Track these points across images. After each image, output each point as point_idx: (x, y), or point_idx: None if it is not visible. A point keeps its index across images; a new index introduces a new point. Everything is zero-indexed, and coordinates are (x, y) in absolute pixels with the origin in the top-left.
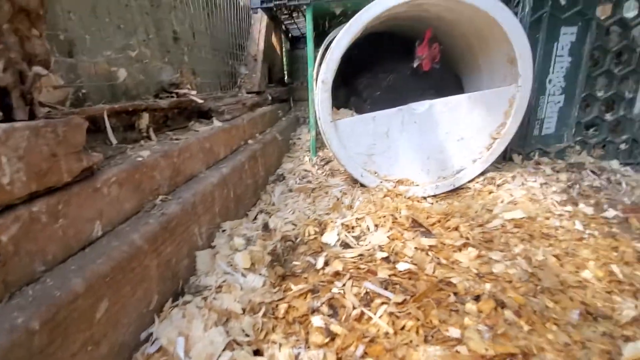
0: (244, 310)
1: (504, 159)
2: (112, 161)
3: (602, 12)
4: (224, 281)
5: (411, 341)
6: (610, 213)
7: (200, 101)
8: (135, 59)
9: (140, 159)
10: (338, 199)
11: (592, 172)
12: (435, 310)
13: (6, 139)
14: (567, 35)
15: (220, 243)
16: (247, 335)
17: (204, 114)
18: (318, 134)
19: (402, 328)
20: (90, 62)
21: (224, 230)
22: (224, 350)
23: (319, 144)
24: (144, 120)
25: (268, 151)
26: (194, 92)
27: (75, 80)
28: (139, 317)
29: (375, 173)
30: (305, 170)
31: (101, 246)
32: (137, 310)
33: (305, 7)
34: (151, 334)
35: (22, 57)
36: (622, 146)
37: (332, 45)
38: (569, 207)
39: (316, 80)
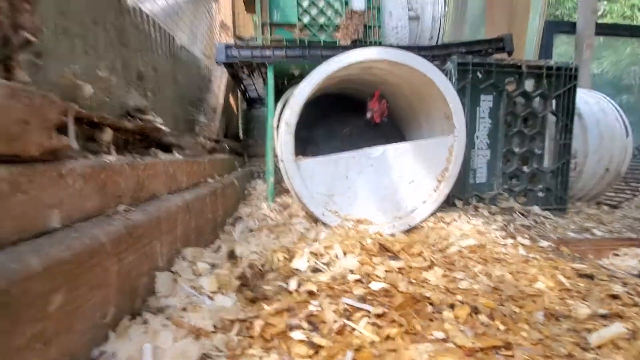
0: (215, 327)
1: (448, 204)
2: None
3: (510, 87)
4: (188, 302)
5: (398, 348)
6: (544, 243)
7: (165, 128)
8: (101, 80)
9: (107, 160)
10: (302, 234)
11: (521, 214)
12: (415, 319)
13: None
14: (486, 102)
15: (182, 267)
16: (221, 351)
17: (165, 148)
18: (276, 182)
19: (387, 337)
20: (58, 69)
21: (184, 258)
22: None
23: (277, 191)
24: (107, 134)
25: (227, 192)
26: (159, 120)
27: (39, 83)
28: (93, 327)
29: (336, 213)
30: (264, 215)
31: (58, 236)
32: (92, 318)
33: (267, 65)
34: (104, 352)
35: (11, 25)
36: (540, 194)
37: (296, 92)
38: (510, 240)
39: (277, 127)
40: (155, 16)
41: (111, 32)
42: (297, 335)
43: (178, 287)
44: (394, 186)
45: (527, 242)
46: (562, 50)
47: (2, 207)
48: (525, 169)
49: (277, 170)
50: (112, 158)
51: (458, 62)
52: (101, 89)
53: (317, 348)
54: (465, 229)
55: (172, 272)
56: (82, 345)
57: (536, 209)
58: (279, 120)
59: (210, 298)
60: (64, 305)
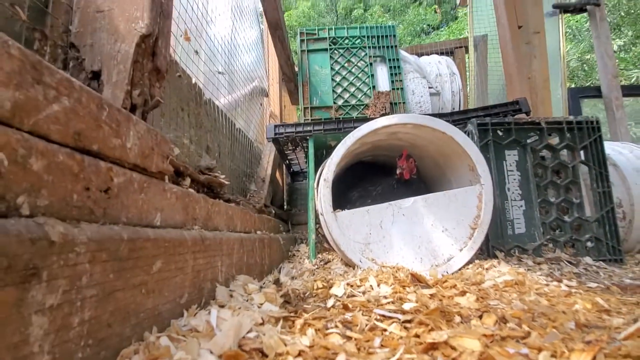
0: (263, 320)
1: (488, 255)
2: None
3: (533, 142)
4: (242, 306)
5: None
6: (593, 285)
7: (227, 182)
8: (184, 146)
9: (190, 191)
10: (340, 274)
11: (570, 263)
12: (441, 323)
13: (135, 123)
14: (511, 156)
15: (236, 286)
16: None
17: (225, 201)
18: (317, 242)
19: (415, 335)
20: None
21: (237, 281)
22: (250, 330)
23: (318, 250)
24: (187, 181)
25: (273, 245)
26: (223, 176)
27: None
28: (173, 301)
29: (373, 260)
30: (306, 268)
31: (159, 230)
32: (174, 293)
33: (308, 138)
34: (179, 323)
35: (149, 93)
36: (589, 244)
37: (332, 153)
38: (555, 283)
39: (317, 187)
40: (222, 107)
41: (192, 117)
42: (332, 331)
43: (233, 299)
44: (428, 235)
45: (574, 283)
46: (602, 116)
47: (133, 198)
48: (566, 218)
49: (318, 232)
50: (192, 191)
51: (477, 122)
52: (183, 153)
53: (349, 338)
54: (505, 271)
55: (229, 289)
56: (165, 310)
57: (587, 259)
58: (318, 180)
59: (259, 307)
60: (161, 271)
